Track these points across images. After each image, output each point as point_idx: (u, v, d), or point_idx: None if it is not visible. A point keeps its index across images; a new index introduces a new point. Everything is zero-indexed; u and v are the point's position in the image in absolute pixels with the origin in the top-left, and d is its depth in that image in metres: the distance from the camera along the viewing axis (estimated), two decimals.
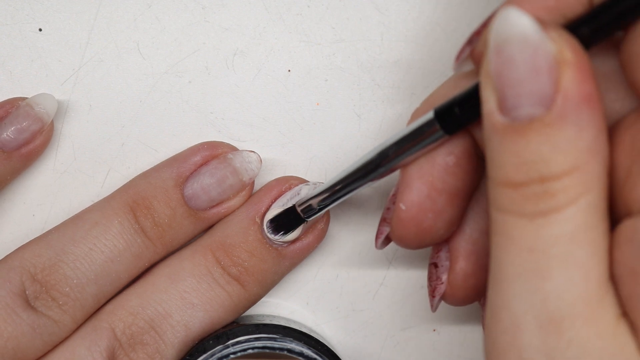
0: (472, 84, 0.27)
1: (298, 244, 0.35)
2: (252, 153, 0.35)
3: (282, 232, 0.35)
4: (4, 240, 0.37)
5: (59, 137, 0.36)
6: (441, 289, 0.32)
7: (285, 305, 0.38)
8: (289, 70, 0.36)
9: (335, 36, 0.36)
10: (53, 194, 0.36)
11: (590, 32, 0.25)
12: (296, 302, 0.38)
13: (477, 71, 0.29)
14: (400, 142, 0.30)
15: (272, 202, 0.35)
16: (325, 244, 0.38)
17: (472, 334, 0.39)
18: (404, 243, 0.31)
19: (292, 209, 0.34)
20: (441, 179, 0.29)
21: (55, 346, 0.33)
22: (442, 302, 0.32)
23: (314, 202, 0.33)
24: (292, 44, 0.36)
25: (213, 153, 0.35)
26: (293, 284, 0.38)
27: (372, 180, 0.31)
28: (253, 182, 0.36)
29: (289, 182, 0.35)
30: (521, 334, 0.25)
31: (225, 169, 0.35)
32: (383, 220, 0.32)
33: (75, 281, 0.33)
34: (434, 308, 0.33)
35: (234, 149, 0.36)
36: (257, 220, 0.35)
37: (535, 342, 0.25)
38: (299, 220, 0.34)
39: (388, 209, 0.32)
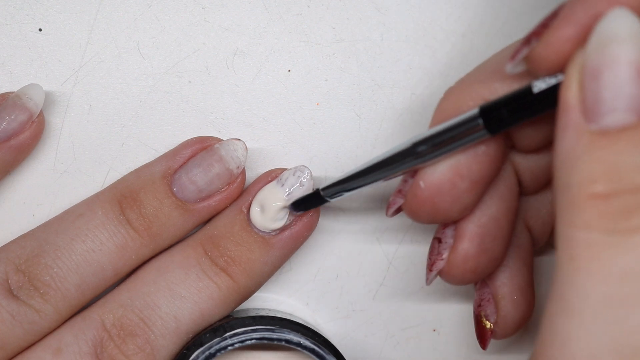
0: (523, 85, 0.26)
1: (286, 233, 0.35)
2: (238, 141, 0.35)
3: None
4: (4, 241, 0.36)
5: (59, 137, 0.36)
6: (440, 264, 0.32)
7: (285, 305, 0.38)
8: (289, 70, 0.36)
9: (335, 36, 0.36)
10: (53, 194, 0.36)
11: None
12: (296, 302, 0.38)
13: (531, 73, 0.27)
14: (437, 135, 0.29)
15: (257, 193, 0.35)
16: (325, 244, 0.38)
17: (472, 334, 0.39)
18: (416, 217, 0.31)
19: (316, 193, 0.34)
20: (467, 165, 0.29)
21: (45, 336, 0.33)
22: (437, 282, 0.32)
23: (342, 186, 0.33)
24: (292, 44, 0.36)
25: (202, 146, 0.35)
26: (293, 284, 0.38)
27: (400, 173, 0.30)
28: (244, 178, 0.36)
29: (272, 174, 0.35)
30: None
31: (210, 158, 0.35)
32: (398, 192, 0.32)
33: (55, 270, 0.33)
34: (428, 282, 0.33)
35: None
36: (244, 209, 0.35)
37: None
38: (320, 201, 0.34)
39: (405, 181, 0.31)
